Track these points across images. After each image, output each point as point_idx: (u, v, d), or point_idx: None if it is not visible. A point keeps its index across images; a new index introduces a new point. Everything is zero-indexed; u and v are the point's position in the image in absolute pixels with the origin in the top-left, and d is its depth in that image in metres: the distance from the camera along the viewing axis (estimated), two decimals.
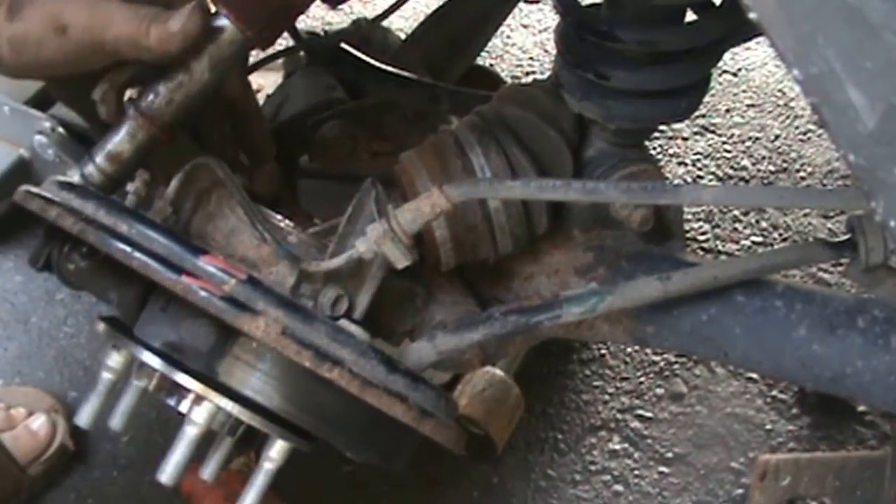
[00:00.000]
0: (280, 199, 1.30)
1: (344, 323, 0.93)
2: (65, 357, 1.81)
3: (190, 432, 0.93)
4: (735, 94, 2.34)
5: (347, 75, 1.59)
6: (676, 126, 2.23)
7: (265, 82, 1.71)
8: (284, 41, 1.63)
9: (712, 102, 2.31)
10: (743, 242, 2.02)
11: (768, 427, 1.74)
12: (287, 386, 0.94)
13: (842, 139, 0.56)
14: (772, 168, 2.18)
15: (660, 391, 1.79)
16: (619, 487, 1.67)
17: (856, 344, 0.95)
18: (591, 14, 1.02)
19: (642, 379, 1.81)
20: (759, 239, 2.03)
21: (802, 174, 2.17)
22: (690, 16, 1.03)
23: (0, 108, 1.78)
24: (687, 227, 2.00)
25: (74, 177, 0.98)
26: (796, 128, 2.27)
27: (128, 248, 0.89)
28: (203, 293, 0.87)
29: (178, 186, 0.98)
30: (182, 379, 0.93)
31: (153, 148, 0.99)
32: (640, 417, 1.76)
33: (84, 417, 0.98)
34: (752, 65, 2.41)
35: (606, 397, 1.79)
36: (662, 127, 2.14)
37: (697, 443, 1.73)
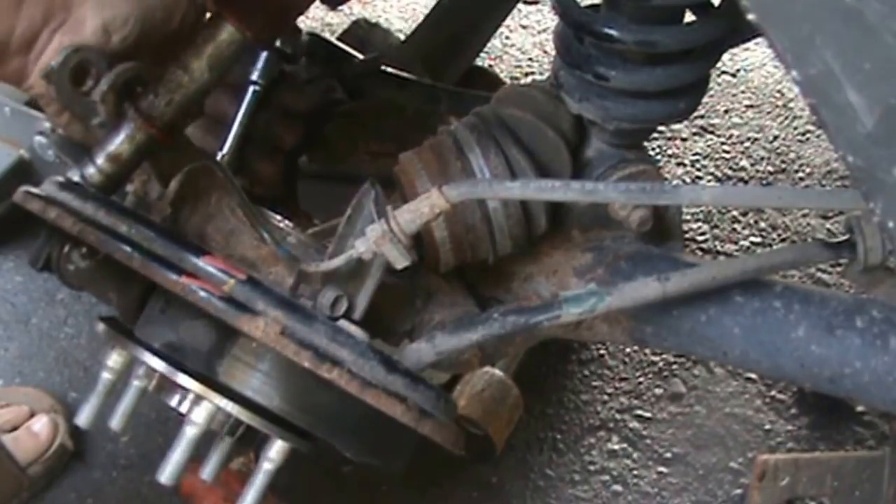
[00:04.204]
0: (279, 199, 1.30)
1: (343, 323, 0.93)
2: (65, 357, 1.81)
3: (190, 432, 0.93)
4: (734, 95, 2.34)
5: (347, 76, 1.59)
6: (675, 127, 2.23)
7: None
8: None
9: (711, 103, 2.31)
10: (742, 243, 2.03)
11: (767, 427, 1.75)
12: (286, 386, 0.94)
13: (840, 140, 0.56)
14: (770, 168, 2.18)
15: (659, 391, 1.79)
16: (617, 487, 1.67)
17: (854, 344, 0.95)
18: (590, 15, 1.02)
19: (641, 379, 1.81)
20: (758, 239, 2.03)
21: (801, 175, 2.17)
22: (689, 16, 1.03)
23: (0, 109, 1.79)
24: (686, 227, 2.00)
25: (74, 177, 0.98)
26: (795, 128, 2.27)
27: (128, 249, 0.89)
28: (203, 293, 0.87)
29: (177, 187, 0.99)
30: (182, 379, 0.93)
31: (153, 149, 1.00)
32: (639, 417, 1.76)
33: (84, 418, 0.98)
34: (750, 65, 2.41)
35: (605, 397, 1.79)
36: (661, 127, 2.14)
37: (696, 443, 1.73)
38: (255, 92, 1.24)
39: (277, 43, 1.29)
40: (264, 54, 1.23)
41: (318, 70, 1.47)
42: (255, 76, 1.23)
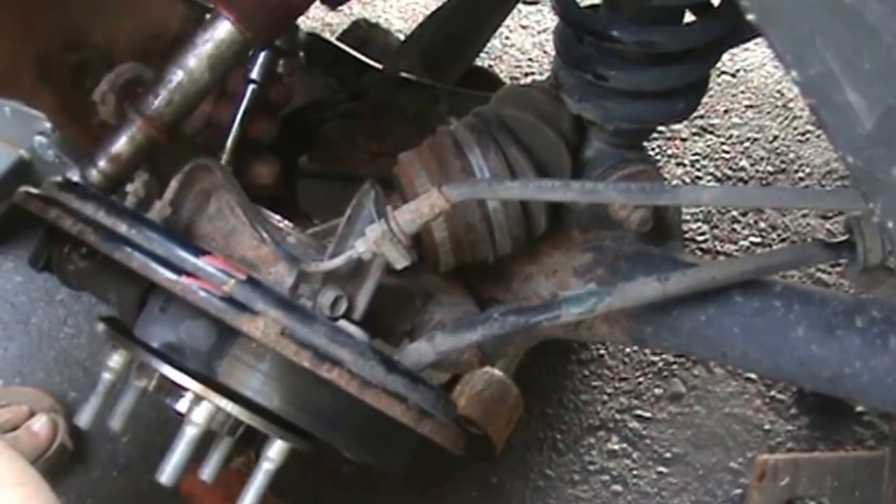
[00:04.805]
0: (279, 199, 1.30)
1: (343, 323, 0.93)
2: (65, 357, 1.81)
3: (189, 432, 0.93)
4: (733, 95, 2.34)
5: (346, 76, 1.59)
6: (675, 127, 2.23)
7: None
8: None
9: (711, 103, 2.31)
10: (741, 243, 2.02)
11: (767, 427, 1.74)
12: (286, 386, 0.94)
13: (840, 140, 0.56)
14: (770, 169, 2.18)
15: (658, 391, 1.79)
16: (617, 487, 1.67)
17: (854, 344, 0.95)
18: (590, 15, 1.02)
19: (641, 379, 1.81)
20: (758, 239, 2.03)
21: (801, 175, 2.17)
22: (689, 17, 1.03)
23: (0, 109, 1.79)
24: (685, 227, 2.00)
25: (74, 177, 0.98)
26: (795, 129, 2.27)
27: (127, 249, 0.89)
28: (202, 293, 0.87)
29: (177, 187, 0.99)
30: (181, 379, 0.93)
31: (153, 149, 1.00)
32: (639, 417, 1.76)
33: (84, 418, 0.98)
34: (750, 66, 2.41)
35: (605, 397, 1.79)
36: (661, 128, 2.14)
37: (696, 443, 1.73)
38: (253, 91, 1.24)
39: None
40: (263, 52, 1.23)
41: (303, 64, 1.47)
42: (253, 74, 1.23)
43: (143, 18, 0.99)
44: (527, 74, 2.39)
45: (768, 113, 2.31)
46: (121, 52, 0.97)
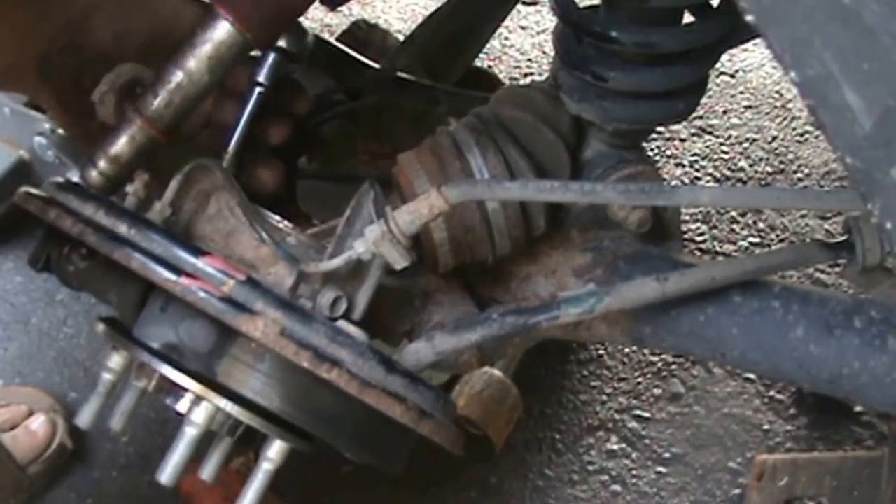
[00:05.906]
0: (279, 199, 1.30)
1: (342, 324, 0.93)
2: (65, 358, 1.81)
3: (189, 433, 0.93)
4: (732, 96, 2.35)
5: (346, 76, 1.59)
6: (674, 127, 2.23)
7: None
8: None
9: (710, 104, 2.31)
10: (740, 243, 2.03)
11: (766, 427, 1.75)
12: (286, 387, 0.94)
13: (839, 141, 0.56)
14: (769, 169, 2.18)
15: (657, 391, 1.79)
16: (616, 487, 1.68)
17: (853, 345, 0.95)
18: (589, 16, 1.02)
19: (640, 379, 1.81)
20: (757, 240, 2.03)
21: (800, 175, 2.18)
22: (688, 17, 1.03)
23: (0, 110, 1.79)
24: (684, 228, 2.00)
25: (74, 178, 0.98)
26: (793, 129, 2.27)
27: (127, 250, 0.89)
28: (202, 294, 0.87)
29: (177, 188, 0.99)
30: (181, 380, 0.93)
31: (153, 149, 1.00)
32: (638, 418, 1.76)
33: (84, 418, 0.98)
34: (749, 66, 2.41)
35: (604, 398, 1.79)
36: (660, 128, 2.14)
37: (695, 443, 1.73)
38: (259, 94, 1.24)
39: (282, 43, 1.28)
40: (271, 55, 1.23)
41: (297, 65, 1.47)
42: (260, 77, 1.23)
43: (156, 16, 0.99)
44: (526, 75, 2.39)
45: (767, 113, 2.31)
46: (129, 50, 0.96)
